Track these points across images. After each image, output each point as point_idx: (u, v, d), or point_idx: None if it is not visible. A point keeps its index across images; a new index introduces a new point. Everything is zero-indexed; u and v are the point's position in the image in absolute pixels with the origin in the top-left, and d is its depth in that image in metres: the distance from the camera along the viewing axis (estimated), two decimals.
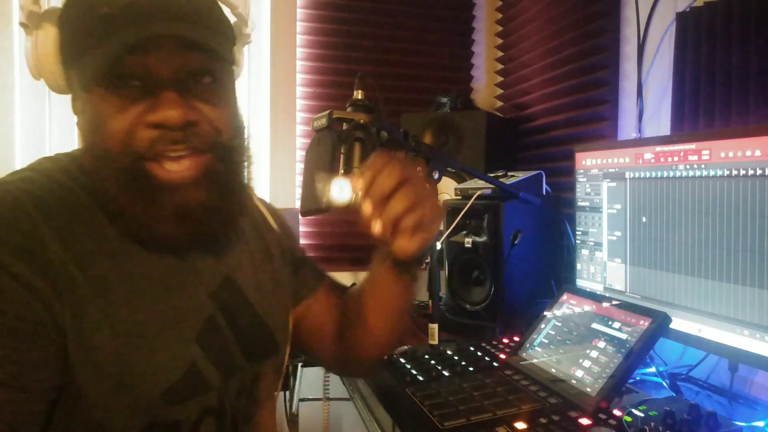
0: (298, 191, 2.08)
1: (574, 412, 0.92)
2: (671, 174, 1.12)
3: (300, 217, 0.98)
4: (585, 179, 1.38)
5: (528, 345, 1.17)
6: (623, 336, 1.00)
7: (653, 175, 1.17)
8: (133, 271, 0.64)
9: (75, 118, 0.68)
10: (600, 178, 1.33)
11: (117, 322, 0.61)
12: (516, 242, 1.40)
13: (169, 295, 0.66)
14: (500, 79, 2.29)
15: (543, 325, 1.19)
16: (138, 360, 0.62)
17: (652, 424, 0.85)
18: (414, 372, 1.13)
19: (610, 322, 1.05)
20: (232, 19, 0.76)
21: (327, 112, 1.01)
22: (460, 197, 1.57)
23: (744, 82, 1.14)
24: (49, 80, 0.68)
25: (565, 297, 1.21)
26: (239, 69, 0.78)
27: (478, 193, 1.47)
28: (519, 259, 1.43)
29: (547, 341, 1.14)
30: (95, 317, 0.60)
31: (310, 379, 1.93)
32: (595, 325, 1.08)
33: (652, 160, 1.17)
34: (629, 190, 1.24)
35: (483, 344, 1.30)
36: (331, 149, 0.97)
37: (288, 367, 1.16)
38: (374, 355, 0.92)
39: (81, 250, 0.61)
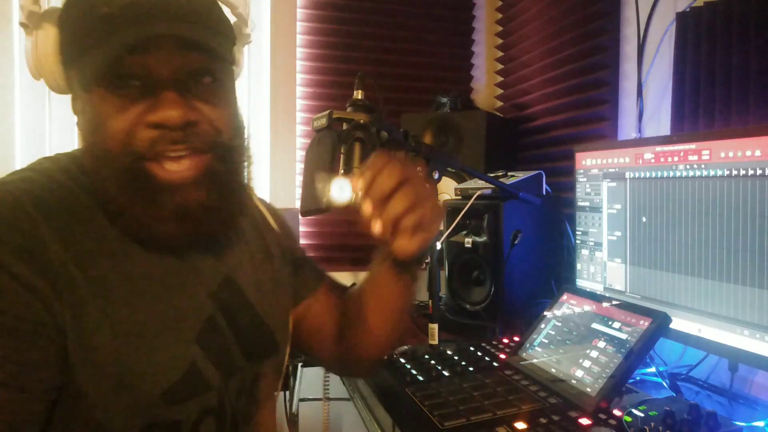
0: (298, 191, 2.08)
1: (574, 412, 0.92)
2: (671, 174, 1.12)
3: (300, 217, 0.98)
4: (585, 179, 1.38)
5: (528, 345, 1.17)
6: (623, 336, 1.00)
7: (653, 175, 1.17)
8: (133, 271, 0.64)
9: (75, 118, 0.68)
10: (600, 178, 1.33)
11: (117, 322, 0.61)
12: (516, 242, 1.40)
13: (169, 295, 0.66)
14: (500, 79, 2.29)
15: (543, 325, 1.19)
16: (138, 360, 0.62)
17: (652, 424, 0.85)
18: (414, 372, 1.13)
19: (610, 322, 1.05)
20: (232, 19, 0.76)
21: (327, 112, 1.01)
22: (460, 197, 1.57)
23: (744, 82, 1.14)
24: (49, 80, 0.68)
25: (565, 297, 1.21)
26: (239, 69, 0.78)
27: (478, 193, 1.47)
28: (519, 259, 1.43)
29: (547, 341, 1.14)
30: (95, 317, 0.60)
31: (310, 379, 1.93)
32: (595, 325, 1.08)
33: (652, 160, 1.17)
34: (629, 190, 1.24)
35: (483, 344, 1.30)
36: (331, 149, 0.97)
37: (288, 367, 1.16)
38: (374, 355, 0.92)
39: (81, 250, 0.61)
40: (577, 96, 1.78)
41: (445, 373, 1.12)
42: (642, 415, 0.89)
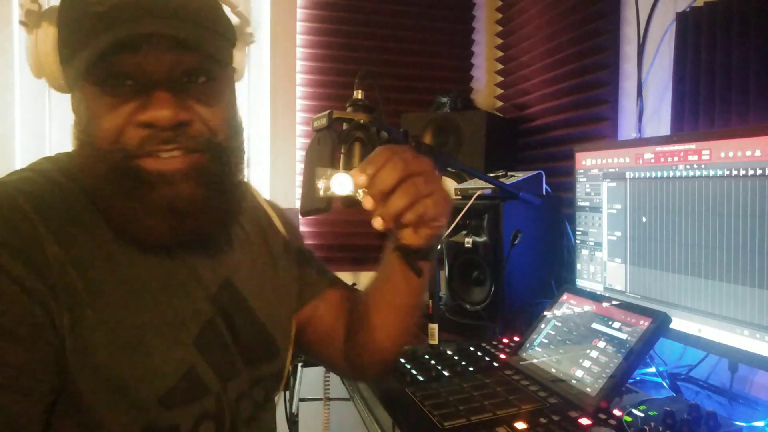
0: (298, 191, 2.08)
1: (574, 412, 0.92)
2: (671, 174, 1.12)
3: (300, 217, 0.98)
4: (585, 179, 1.38)
5: (528, 345, 1.17)
6: (623, 336, 1.00)
7: (653, 175, 1.17)
8: (130, 274, 0.64)
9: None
10: (600, 178, 1.33)
11: (114, 325, 0.61)
12: (516, 242, 1.40)
13: (167, 298, 0.66)
14: (500, 79, 2.29)
15: (543, 325, 1.19)
16: (135, 364, 0.61)
17: (652, 424, 0.85)
18: (414, 372, 1.13)
19: (610, 322, 1.05)
20: (234, 19, 0.75)
21: (327, 112, 1.01)
22: (460, 197, 1.57)
23: (744, 82, 1.14)
24: (49, 79, 0.68)
25: (565, 297, 1.21)
26: (240, 69, 0.77)
27: (478, 193, 1.47)
28: (519, 259, 1.43)
29: (547, 341, 1.14)
30: (92, 320, 0.59)
31: (310, 379, 1.93)
32: (595, 325, 1.08)
33: (652, 160, 1.17)
34: (629, 190, 1.24)
35: (483, 344, 1.30)
36: (331, 149, 0.97)
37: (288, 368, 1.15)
38: (383, 356, 0.89)
39: (79, 252, 0.61)
40: (577, 96, 1.78)
41: (445, 373, 1.12)
42: (642, 415, 0.89)
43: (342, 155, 0.98)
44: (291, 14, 2.14)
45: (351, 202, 0.71)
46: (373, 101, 1.03)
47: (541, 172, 1.60)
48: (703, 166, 1.05)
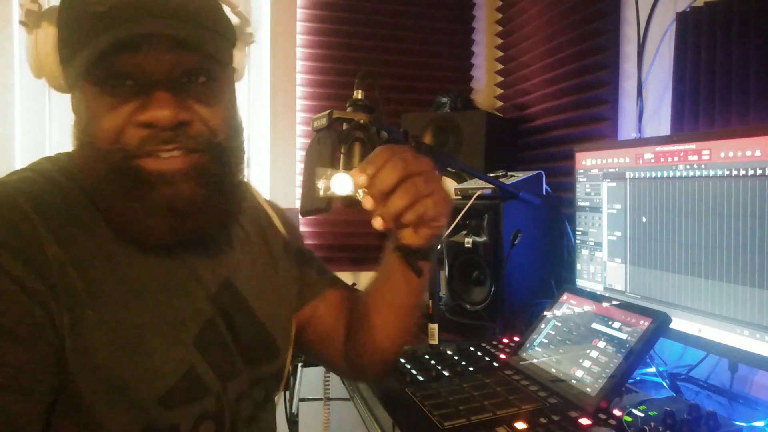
0: (298, 191, 2.08)
1: (574, 412, 0.92)
2: (671, 174, 1.12)
3: (300, 217, 0.98)
4: (585, 179, 1.38)
5: (528, 345, 1.17)
6: (623, 336, 1.00)
7: (653, 175, 1.17)
8: (130, 274, 0.64)
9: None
10: (600, 178, 1.33)
11: (113, 325, 0.61)
12: (516, 242, 1.40)
13: (167, 298, 0.66)
14: (500, 79, 2.29)
15: (543, 325, 1.19)
16: (134, 364, 0.61)
17: (652, 424, 0.85)
18: (414, 372, 1.13)
19: (610, 322, 1.05)
20: (234, 19, 0.75)
21: (327, 112, 1.01)
22: (460, 197, 1.57)
23: (744, 82, 1.14)
24: (49, 79, 0.68)
25: (565, 297, 1.21)
26: (240, 69, 0.76)
27: (478, 193, 1.47)
28: (519, 259, 1.43)
29: (547, 341, 1.14)
30: (92, 320, 0.59)
31: (310, 379, 1.93)
32: (595, 325, 1.08)
33: (652, 160, 1.17)
34: (629, 190, 1.24)
35: (483, 344, 1.30)
36: (331, 149, 0.97)
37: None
38: (383, 356, 0.89)
39: (79, 252, 0.61)
40: (577, 96, 1.78)
41: (445, 373, 1.12)
42: (642, 415, 0.89)
43: (342, 155, 0.98)
44: (291, 14, 2.14)
45: (351, 202, 0.71)
46: (373, 101, 1.03)
47: (541, 172, 1.60)
48: (703, 166, 1.05)
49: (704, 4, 1.24)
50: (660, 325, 0.97)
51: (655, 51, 1.45)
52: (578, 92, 1.77)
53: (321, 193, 0.70)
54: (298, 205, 0.90)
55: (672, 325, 1.00)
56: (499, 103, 2.31)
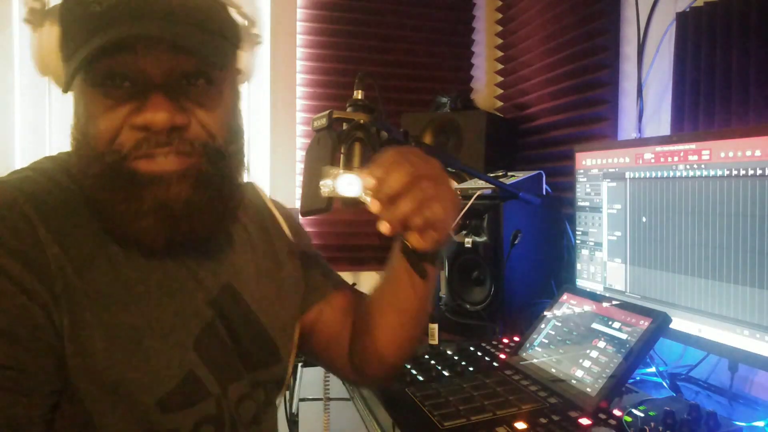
0: (298, 191, 2.08)
1: (574, 412, 0.92)
2: (671, 174, 1.12)
3: (300, 217, 0.98)
4: (585, 179, 1.38)
5: (528, 345, 1.17)
6: (623, 336, 1.00)
7: (653, 175, 1.17)
8: (130, 276, 0.64)
9: None
10: (600, 178, 1.33)
11: (112, 328, 0.60)
12: (516, 242, 1.40)
13: (166, 301, 0.65)
14: (500, 79, 2.29)
15: (543, 325, 1.19)
16: (133, 367, 0.61)
17: (652, 424, 0.85)
18: (414, 372, 1.13)
19: (610, 322, 1.05)
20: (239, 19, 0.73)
21: (327, 112, 1.01)
22: (460, 197, 1.57)
23: (744, 82, 1.14)
24: (54, 78, 0.67)
25: (565, 297, 1.21)
26: (246, 71, 0.74)
27: (478, 193, 1.47)
28: (519, 259, 1.43)
29: (547, 341, 1.14)
30: (91, 322, 0.59)
31: (310, 379, 1.93)
32: (595, 325, 1.08)
33: (652, 160, 1.17)
34: (629, 190, 1.24)
35: (483, 344, 1.30)
36: (331, 149, 0.97)
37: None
38: (387, 361, 0.86)
39: (78, 254, 0.61)
40: (577, 96, 1.78)
41: (445, 373, 1.12)
42: (642, 415, 0.89)
43: (342, 155, 0.98)
44: (291, 14, 2.14)
45: (351, 203, 0.71)
46: (373, 101, 1.03)
47: (541, 172, 1.60)
48: (703, 166, 1.05)
49: (704, 4, 1.24)
50: (660, 325, 0.97)
51: (655, 51, 1.45)
52: (578, 92, 1.77)
53: (326, 192, 0.70)
54: (298, 205, 0.90)
55: (672, 325, 1.00)
56: (499, 103, 2.31)
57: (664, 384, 1.12)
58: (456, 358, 1.21)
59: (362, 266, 2.14)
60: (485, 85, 2.39)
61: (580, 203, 1.40)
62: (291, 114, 2.15)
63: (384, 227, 0.68)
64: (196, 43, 0.61)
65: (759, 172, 0.94)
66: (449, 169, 1.58)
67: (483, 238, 1.49)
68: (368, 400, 1.15)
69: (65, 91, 0.66)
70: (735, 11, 1.16)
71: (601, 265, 1.33)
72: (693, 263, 1.08)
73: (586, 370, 1.00)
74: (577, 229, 1.42)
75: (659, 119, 1.44)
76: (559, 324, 1.16)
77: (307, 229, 2.17)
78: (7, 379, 0.55)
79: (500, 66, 2.29)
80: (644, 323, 0.99)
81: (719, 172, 1.02)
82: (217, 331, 0.70)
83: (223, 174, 0.67)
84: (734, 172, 0.99)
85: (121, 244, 0.64)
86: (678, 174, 1.11)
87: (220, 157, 0.66)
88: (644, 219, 1.20)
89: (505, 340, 1.32)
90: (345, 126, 1.01)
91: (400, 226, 0.67)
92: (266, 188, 2.09)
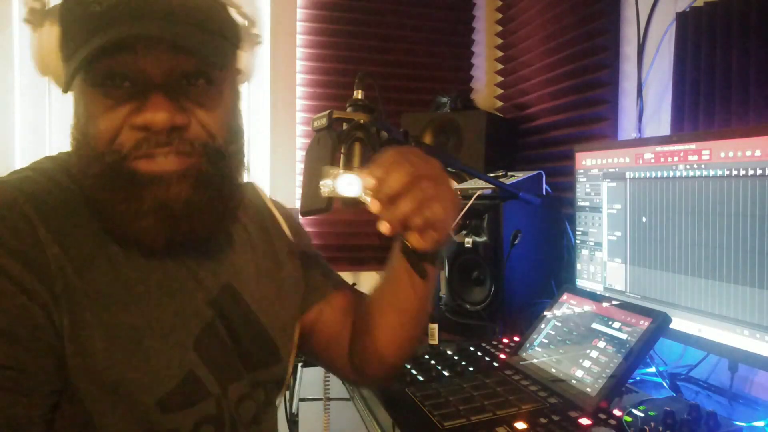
0: (298, 191, 2.08)
1: (574, 412, 0.92)
2: (671, 174, 1.12)
3: (300, 217, 0.98)
4: (585, 179, 1.38)
5: (528, 345, 1.17)
6: (623, 336, 1.00)
7: (653, 175, 1.17)
8: (130, 276, 0.64)
9: None
10: (600, 178, 1.33)
11: (112, 328, 0.60)
12: (516, 242, 1.40)
13: (166, 301, 0.65)
14: (500, 79, 2.29)
15: (543, 325, 1.19)
16: (133, 367, 0.61)
17: (652, 424, 0.85)
18: (414, 372, 1.13)
19: (610, 322, 1.05)
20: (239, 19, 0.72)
21: (327, 112, 1.01)
22: (460, 197, 1.57)
23: (744, 82, 1.14)
24: (54, 78, 0.67)
25: (565, 297, 1.21)
26: (247, 71, 0.74)
27: (478, 193, 1.47)
28: (519, 259, 1.43)
29: (547, 341, 1.14)
30: (91, 322, 0.59)
31: (310, 379, 1.93)
32: (595, 325, 1.08)
33: (652, 160, 1.17)
34: (629, 190, 1.24)
35: (483, 344, 1.30)
36: (331, 149, 0.97)
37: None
38: (387, 361, 0.86)
39: (79, 254, 0.61)
40: (577, 96, 1.78)
41: (445, 373, 1.12)
42: (642, 415, 0.89)
43: (342, 155, 0.98)
44: (291, 14, 2.14)
45: (351, 203, 0.71)
46: (373, 101, 1.03)
47: (541, 172, 1.60)
48: (703, 166, 1.05)
49: (704, 4, 1.24)
50: (660, 325, 0.97)
51: (655, 51, 1.45)
52: (578, 92, 1.77)
53: (326, 192, 0.70)
54: (298, 205, 0.90)
55: (672, 325, 1.00)
56: (499, 103, 2.31)
57: (664, 384, 1.12)
58: (456, 358, 1.21)
59: (362, 266, 2.14)
60: (485, 85, 2.39)
61: (580, 203, 1.40)
62: (291, 114, 2.15)
63: (384, 227, 0.67)
64: (196, 43, 0.61)
65: (759, 172, 0.94)
66: (449, 169, 1.58)
67: (483, 238, 1.49)
68: (368, 400, 1.15)
69: (65, 91, 0.66)
70: (735, 11, 1.16)
71: (601, 265, 1.33)
72: (693, 263, 1.08)
73: (586, 370, 1.00)
74: (577, 229, 1.42)
75: (659, 119, 1.44)
76: (559, 324, 1.16)
77: (307, 229, 2.17)
78: (7, 379, 0.55)
79: (500, 66, 2.29)
80: (644, 323, 0.99)
81: (719, 172, 1.02)
82: (217, 331, 0.70)
83: (223, 174, 0.67)
84: (734, 172, 0.99)
85: (121, 244, 0.64)
86: (678, 174, 1.11)
87: (220, 157, 0.66)
88: (644, 219, 1.20)
89: (505, 340, 1.32)
90: (345, 126, 1.01)
91: (400, 226, 0.67)
92: (266, 188, 2.09)
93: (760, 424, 0.91)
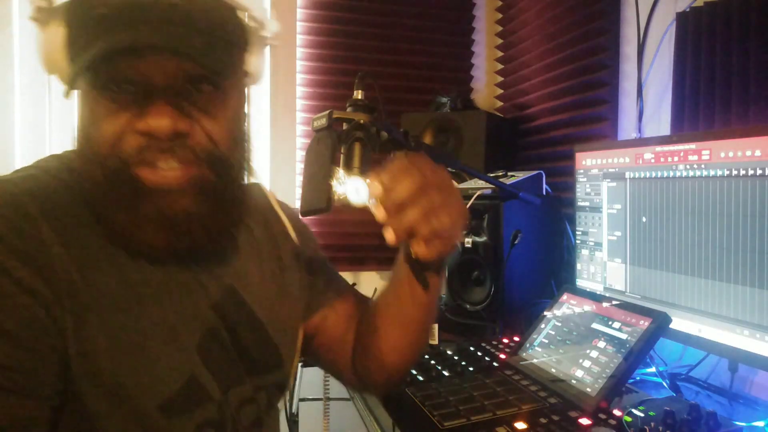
0: (298, 191, 2.08)
1: (574, 412, 0.92)
2: (671, 174, 1.12)
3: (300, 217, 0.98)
4: (585, 179, 1.38)
5: (528, 345, 1.17)
6: (623, 336, 1.00)
7: (653, 175, 1.17)
8: (134, 278, 0.63)
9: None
10: (600, 178, 1.33)
11: (115, 330, 0.60)
12: (516, 242, 1.40)
13: (169, 304, 0.65)
14: (500, 79, 2.29)
15: (543, 325, 1.19)
16: (135, 369, 0.61)
17: (652, 424, 0.85)
18: (414, 372, 1.13)
19: (610, 322, 1.05)
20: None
21: (327, 112, 1.01)
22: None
23: (744, 82, 1.14)
24: (61, 76, 0.65)
25: (565, 297, 1.21)
26: (255, 73, 0.73)
27: (478, 193, 1.47)
28: (519, 259, 1.43)
29: (547, 341, 1.14)
30: (94, 324, 0.59)
31: (310, 379, 1.92)
32: (595, 325, 1.08)
33: (652, 160, 1.17)
34: (629, 190, 1.24)
35: (483, 344, 1.30)
36: (331, 149, 0.97)
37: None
38: (390, 368, 0.86)
39: (82, 254, 0.60)
40: (577, 96, 1.78)
41: (445, 373, 1.12)
42: (642, 415, 0.89)
43: (342, 155, 0.98)
44: (291, 14, 2.14)
45: (355, 207, 0.70)
46: (373, 101, 1.03)
47: (541, 172, 1.60)
48: (703, 166, 1.05)
49: (704, 4, 1.24)
50: (660, 325, 0.97)
51: (655, 51, 1.45)
52: (578, 92, 1.77)
53: (333, 195, 0.69)
54: (298, 205, 0.90)
55: (672, 325, 1.00)
56: (499, 103, 2.31)
57: (664, 384, 1.12)
58: (456, 358, 1.21)
59: (362, 266, 2.13)
60: (485, 85, 2.39)
61: (580, 203, 1.40)
62: (291, 114, 2.15)
63: (389, 235, 0.67)
64: (200, 49, 0.59)
65: (759, 172, 0.94)
66: (449, 169, 1.58)
67: (483, 238, 1.49)
68: (368, 400, 1.16)
69: (68, 93, 0.65)
70: (735, 11, 1.16)
71: (601, 265, 1.33)
72: (693, 263, 1.08)
73: (586, 370, 1.00)
74: (577, 229, 1.42)
75: (659, 119, 1.44)
76: (559, 324, 1.16)
77: None
78: (10, 381, 0.54)
79: (500, 66, 2.29)
80: (644, 323, 0.99)
81: (719, 172, 1.02)
82: (219, 335, 0.69)
83: (227, 182, 0.66)
84: (734, 172, 0.99)
85: (124, 247, 0.64)
86: (678, 174, 1.11)
87: (224, 166, 0.65)
88: (644, 219, 1.20)
89: (505, 340, 1.32)
90: (345, 126, 1.01)
91: (405, 235, 0.67)
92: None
93: (760, 424, 0.91)
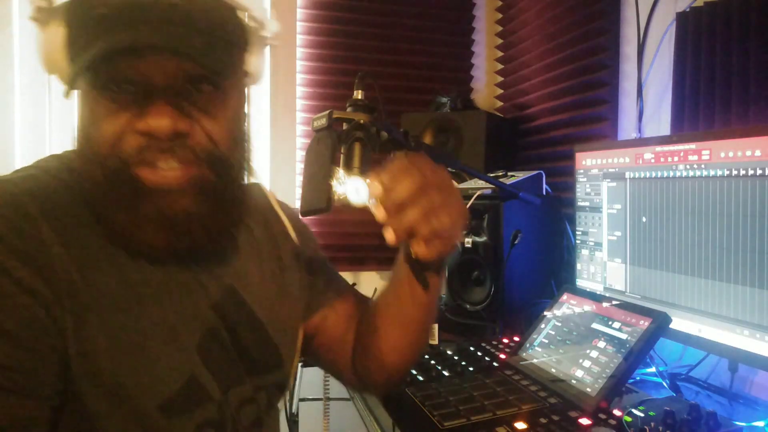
0: (298, 191, 2.08)
1: (574, 412, 0.92)
2: (671, 174, 1.12)
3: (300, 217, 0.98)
4: (585, 179, 1.38)
5: (528, 345, 1.17)
6: (623, 336, 1.00)
7: (653, 175, 1.17)
8: (134, 278, 0.63)
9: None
10: (600, 178, 1.33)
11: (115, 330, 0.60)
12: (516, 242, 1.40)
13: (169, 304, 0.65)
14: (500, 79, 2.29)
15: (543, 325, 1.19)
16: (135, 369, 0.61)
17: (652, 424, 0.85)
18: (414, 372, 1.13)
19: (610, 322, 1.05)
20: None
21: (327, 112, 1.01)
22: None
23: (744, 82, 1.14)
24: (61, 77, 0.65)
25: (565, 297, 1.21)
26: (255, 73, 0.73)
27: (478, 193, 1.47)
28: (519, 259, 1.43)
29: (547, 341, 1.14)
30: (94, 324, 0.59)
31: (310, 379, 1.93)
32: (595, 325, 1.08)
33: (652, 160, 1.17)
34: (629, 190, 1.24)
35: (483, 344, 1.30)
36: (331, 149, 0.97)
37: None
38: (389, 369, 0.86)
39: (83, 254, 0.60)
40: (577, 96, 1.78)
41: (445, 373, 1.12)
42: (642, 415, 0.89)
43: (342, 155, 0.98)
44: (291, 14, 2.14)
45: (355, 207, 0.70)
46: (373, 101, 1.03)
47: (541, 172, 1.60)
48: (703, 166, 1.05)
49: (704, 4, 1.24)
50: (660, 325, 0.97)
51: (655, 51, 1.45)
52: (578, 92, 1.77)
53: (333, 195, 0.69)
54: (298, 205, 0.90)
55: (672, 325, 1.00)
56: (499, 103, 2.31)
57: (664, 384, 1.12)
58: (456, 358, 1.21)
59: (362, 266, 2.14)
60: (485, 85, 2.39)
61: (580, 203, 1.40)
62: (291, 114, 2.15)
63: (389, 235, 0.67)
64: (200, 49, 0.59)
65: (759, 172, 0.94)
66: (449, 169, 1.58)
67: (483, 238, 1.49)
68: (368, 400, 1.16)
69: (68, 93, 0.65)
70: (735, 11, 1.16)
71: (601, 265, 1.33)
72: (693, 263, 1.08)
73: (586, 370, 1.00)
74: (577, 229, 1.42)
75: (659, 119, 1.44)
76: (559, 324, 1.16)
77: None
78: (10, 381, 0.54)
79: (500, 66, 2.29)
80: (644, 323, 0.99)
81: (719, 172, 1.02)
82: (219, 335, 0.69)
83: (227, 183, 0.66)
84: (734, 172, 0.99)
85: (124, 247, 0.64)
86: (678, 174, 1.11)
87: (224, 166, 0.65)
88: (644, 219, 1.20)
89: (505, 340, 1.32)
90: (345, 126, 1.01)
91: (405, 235, 0.67)
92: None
93: (760, 424, 0.91)
